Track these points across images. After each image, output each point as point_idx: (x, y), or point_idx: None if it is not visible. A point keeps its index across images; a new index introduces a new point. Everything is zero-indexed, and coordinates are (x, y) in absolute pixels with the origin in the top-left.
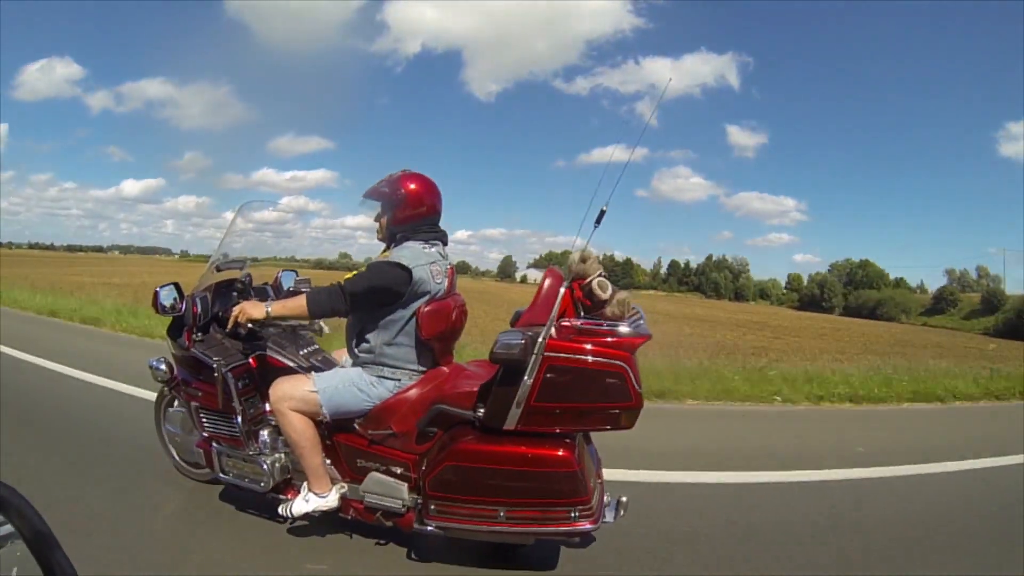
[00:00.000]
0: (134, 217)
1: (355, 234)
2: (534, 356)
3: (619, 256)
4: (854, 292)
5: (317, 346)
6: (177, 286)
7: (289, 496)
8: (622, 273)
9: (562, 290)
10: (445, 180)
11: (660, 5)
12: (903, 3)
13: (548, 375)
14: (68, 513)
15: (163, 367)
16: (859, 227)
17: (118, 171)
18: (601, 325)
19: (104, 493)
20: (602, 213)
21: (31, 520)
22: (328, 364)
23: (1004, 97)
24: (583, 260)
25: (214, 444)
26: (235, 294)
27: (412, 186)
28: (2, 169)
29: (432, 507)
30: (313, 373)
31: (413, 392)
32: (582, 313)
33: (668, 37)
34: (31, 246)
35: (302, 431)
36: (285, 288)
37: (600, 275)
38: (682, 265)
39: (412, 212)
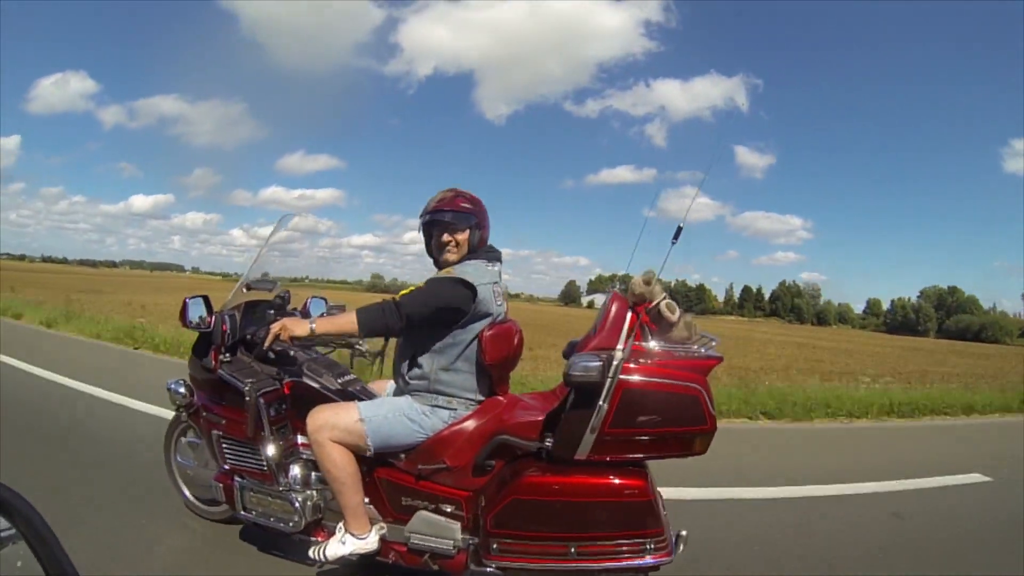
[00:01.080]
0: (142, 232)
1: (360, 253)
2: (610, 379)
3: (691, 282)
4: (952, 317)
5: (354, 375)
6: (206, 299)
7: (319, 538)
8: (696, 299)
9: (629, 313)
10: None
11: (672, 29)
12: (909, 26)
13: (624, 399)
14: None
15: (182, 390)
16: (865, 245)
17: (128, 186)
18: (674, 348)
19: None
20: (679, 230)
21: (33, 522)
22: (368, 395)
23: (1009, 114)
24: (647, 283)
25: (236, 478)
26: (271, 311)
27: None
28: (12, 181)
29: (494, 546)
30: (357, 401)
31: (471, 423)
32: (650, 336)
33: (679, 60)
34: (44, 260)
35: (343, 465)
36: (313, 315)
37: (665, 297)
38: (754, 290)
39: (488, 232)
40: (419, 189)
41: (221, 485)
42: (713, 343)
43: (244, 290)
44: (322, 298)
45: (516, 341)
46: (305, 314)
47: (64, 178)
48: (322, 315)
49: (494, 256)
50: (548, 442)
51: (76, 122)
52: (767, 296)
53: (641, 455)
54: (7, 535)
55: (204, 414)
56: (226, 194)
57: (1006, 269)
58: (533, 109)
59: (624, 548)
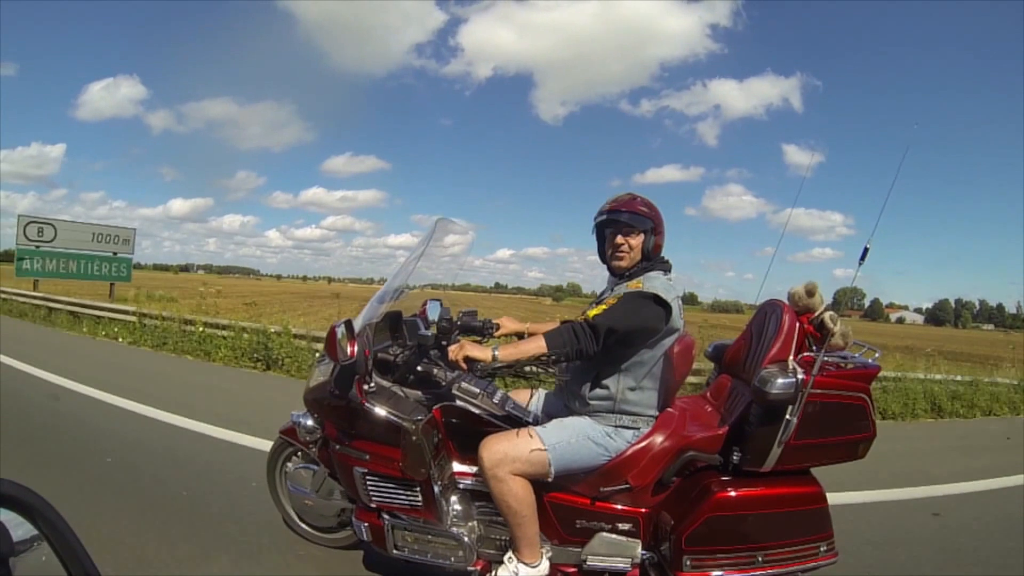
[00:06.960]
0: (177, 235)
1: (395, 253)
2: (801, 394)
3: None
4: None
5: (502, 390)
6: (348, 324)
7: (478, 567)
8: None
9: (797, 324)
10: (493, 201)
11: (738, 32)
12: (969, 35)
13: (807, 412)
14: None
15: (310, 423)
16: (905, 243)
17: (168, 190)
18: (844, 358)
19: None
20: (865, 251)
21: (56, 524)
22: (522, 411)
23: None
24: (810, 293)
25: (384, 516)
26: (423, 330)
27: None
28: (55, 188)
29: (687, 562)
30: (534, 428)
31: (655, 441)
32: (814, 347)
33: (737, 60)
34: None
35: (524, 498)
36: (430, 320)
37: (827, 308)
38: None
39: (663, 240)
40: (465, 190)
41: (366, 524)
42: (876, 354)
43: (381, 304)
44: (438, 300)
45: (693, 354)
46: (424, 318)
47: (106, 183)
48: (434, 321)
49: (668, 268)
50: (735, 456)
51: (123, 127)
52: None
53: (815, 463)
54: (30, 537)
55: (339, 448)
56: (266, 196)
57: None
58: (589, 110)
59: (802, 552)
